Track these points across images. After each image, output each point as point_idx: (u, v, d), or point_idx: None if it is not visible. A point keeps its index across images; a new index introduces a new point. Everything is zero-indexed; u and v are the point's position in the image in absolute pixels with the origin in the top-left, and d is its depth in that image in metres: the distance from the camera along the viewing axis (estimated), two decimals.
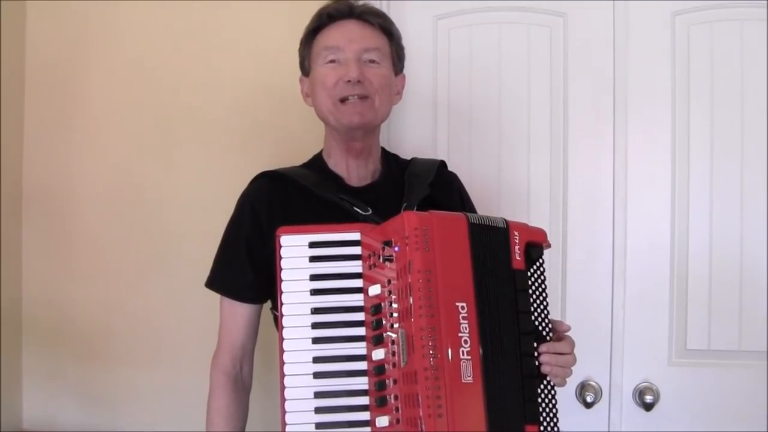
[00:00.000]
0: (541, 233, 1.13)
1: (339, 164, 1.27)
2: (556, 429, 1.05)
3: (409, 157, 1.37)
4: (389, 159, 1.33)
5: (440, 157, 1.59)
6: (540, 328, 1.08)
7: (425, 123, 1.68)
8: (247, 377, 1.27)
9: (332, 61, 1.20)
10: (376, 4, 1.55)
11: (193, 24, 1.74)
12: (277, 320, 1.09)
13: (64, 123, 1.80)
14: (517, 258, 1.08)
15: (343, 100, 1.19)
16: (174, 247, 1.74)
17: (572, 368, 1.10)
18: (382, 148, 1.33)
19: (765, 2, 1.56)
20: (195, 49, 1.74)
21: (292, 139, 1.68)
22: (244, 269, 1.22)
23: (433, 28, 1.68)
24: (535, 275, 1.10)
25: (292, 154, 1.56)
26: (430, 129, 1.68)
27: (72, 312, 1.78)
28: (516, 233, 1.08)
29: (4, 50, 1.73)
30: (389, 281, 1.03)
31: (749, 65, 1.57)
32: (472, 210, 1.34)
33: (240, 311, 1.25)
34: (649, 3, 1.59)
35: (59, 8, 1.79)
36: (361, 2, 1.26)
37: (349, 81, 1.17)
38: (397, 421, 0.99)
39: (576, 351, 1.12)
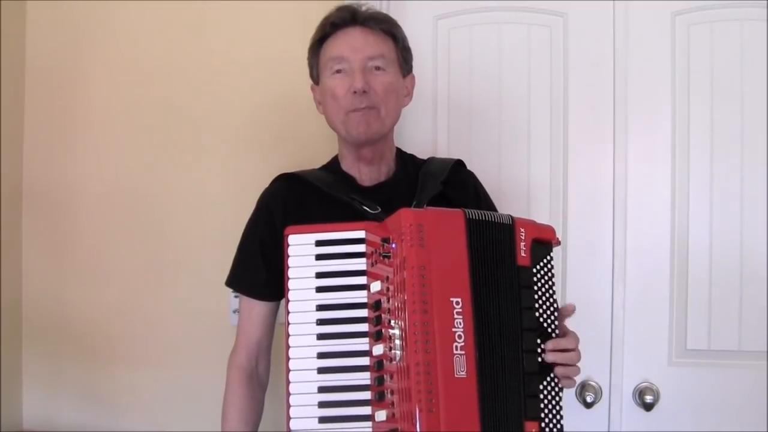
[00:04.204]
0: (550, 230, 1.13)
1: (352, 168, 1.29)
2: (559, 426, 1.05)
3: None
4: (405, 159, 1.34)
5: (440, 156, 1.59)
6: (545, 325, 1.08)
7: (425, 123, 1.68)
8: (263, 373, 1.30)
9: (339, 72, 1.22)
10: (377, 5, 1.55)
11: (193, 25, 1.74)
12: None
13: (64, 123, 1.80)
14: (522, 255, 1.08)
15: (352, 111, 1.20)
16: (174, 247, 1.74)
17: (579, 365, 1.10)
18: (398, 149, 1.35)
19: (765, 2, 1.56)
20: (196, 50, 1.74)
21: (296, 141, 1.68)
22: (259, 268, 1.25)
23: (433, 28, 1.68)
24: (542, 272, 1.10)
25: (296, 158, 1.56)
26: (430, 129, 1.68)
27: (72, 312, 1.78)
28: (522, 230, 1.09)
29: (4, 50, 1.73)
30: (387, 278, 1.04)
31: (749, 65, 1.57)
32: (491, 208, 1.34)
33: (256, 309, 1.28)
34: (649, 3, 1.60)
35: (59, 8, 1.79)
36: (364, 7, 1.26)
37: (355, 92, 1.18)
38: (393, 415, 1.00)
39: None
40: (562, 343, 1.08)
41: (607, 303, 1.59)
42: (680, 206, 1.59)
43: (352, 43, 1.21)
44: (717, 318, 1.57)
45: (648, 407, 1.55)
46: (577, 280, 1.61)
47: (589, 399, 1.56)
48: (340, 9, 1.25)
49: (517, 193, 1.63)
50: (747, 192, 1.57)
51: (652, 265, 1.58)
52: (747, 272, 1.56)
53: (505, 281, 1.06)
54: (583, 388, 1.57)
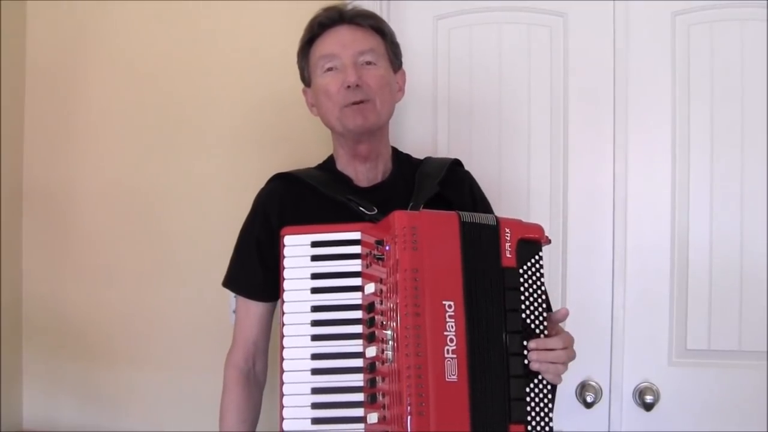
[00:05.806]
0: (537, 229, 1.12)
1: (347, 167, 1.29)
2: (547, 428, 1.03)
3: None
4: (401, 159, 1.34)
5: (440, 156, 1.59)
6: (533, 326, 1.07)
7: (425, 123, 1.68)
8: (260, 373, 1.30)
9: (330, 69, 1.22)
10: (377, 5, 1.55)
11: (195, 26, 1.74)
12: None
13: (64, 123, 1.80)
14: (507, 255, 1.07)
15: (347, 106, 1.20)
16: (173, 247, 1.75)
17: (569, 364, 1.08)
18: (394, 149, 1.34)
19: (765, 2, 1.56)
20: (195, 50, 1.74)
21: (293, 139, 1.68)
22: (255, 269, 1.25)
23: (433, 28, 1.68)
24: (530, 272, 1.09)
25: (293, 156, 1.56)
26: (430, 129, 1.68)
27: (72, 312, 1.78)
28: (507, 230, 1.08)
29: (4, 50, 1.73)
30: (381, 280, 1.04)
31: (749, 65, 1.57)
32: (486, 209, 1.33)
33: (253, 309, 1.28)
34: (649, 3, 1.59)
35: (59, 8, 1.80)
36: (350, 5, 1.27)
37: (349, 86, 1.18)
38: (384, 418, 1.00)
39: (576, 351, 1.12)
40: (548, 342, 1.06)
41: (607, 303, 1.59)
42: (680, 206, 1.59)
43: (342, 40, 1.21)
44: (717, 318, 1.56)
45: (648, 407, 1.54)
46: (577, 280, 1.61)
47: (589, 399, 1.56)
48: (327, 9, 1.25)
49: (517, 193, 1.63)
50: (747, 192, 1.56)
51: (652, 265, 1.58)
52: (747, 272, 1.56)
53: (493, 284, 1.05)
54: (583, 388, 1.57)
